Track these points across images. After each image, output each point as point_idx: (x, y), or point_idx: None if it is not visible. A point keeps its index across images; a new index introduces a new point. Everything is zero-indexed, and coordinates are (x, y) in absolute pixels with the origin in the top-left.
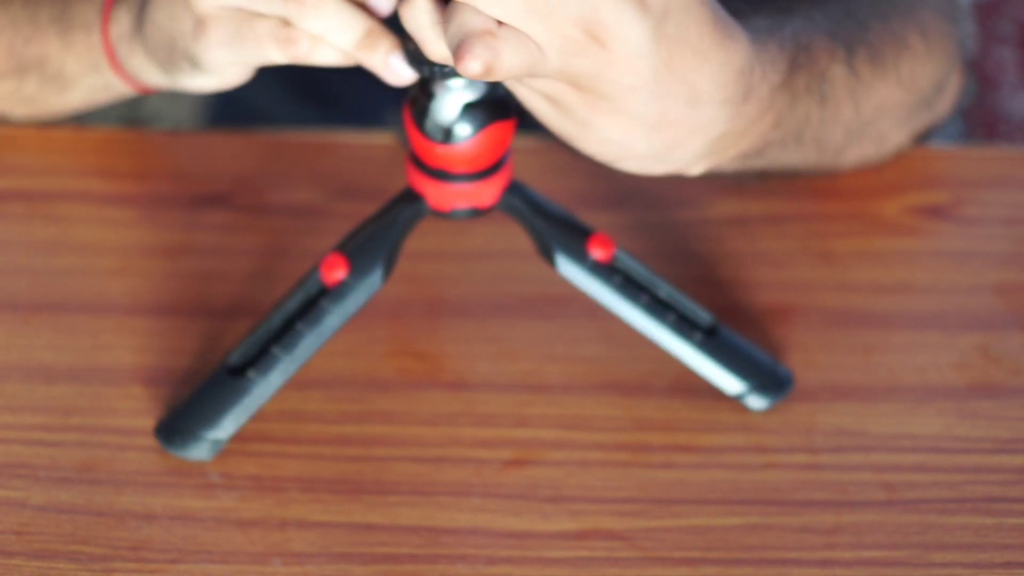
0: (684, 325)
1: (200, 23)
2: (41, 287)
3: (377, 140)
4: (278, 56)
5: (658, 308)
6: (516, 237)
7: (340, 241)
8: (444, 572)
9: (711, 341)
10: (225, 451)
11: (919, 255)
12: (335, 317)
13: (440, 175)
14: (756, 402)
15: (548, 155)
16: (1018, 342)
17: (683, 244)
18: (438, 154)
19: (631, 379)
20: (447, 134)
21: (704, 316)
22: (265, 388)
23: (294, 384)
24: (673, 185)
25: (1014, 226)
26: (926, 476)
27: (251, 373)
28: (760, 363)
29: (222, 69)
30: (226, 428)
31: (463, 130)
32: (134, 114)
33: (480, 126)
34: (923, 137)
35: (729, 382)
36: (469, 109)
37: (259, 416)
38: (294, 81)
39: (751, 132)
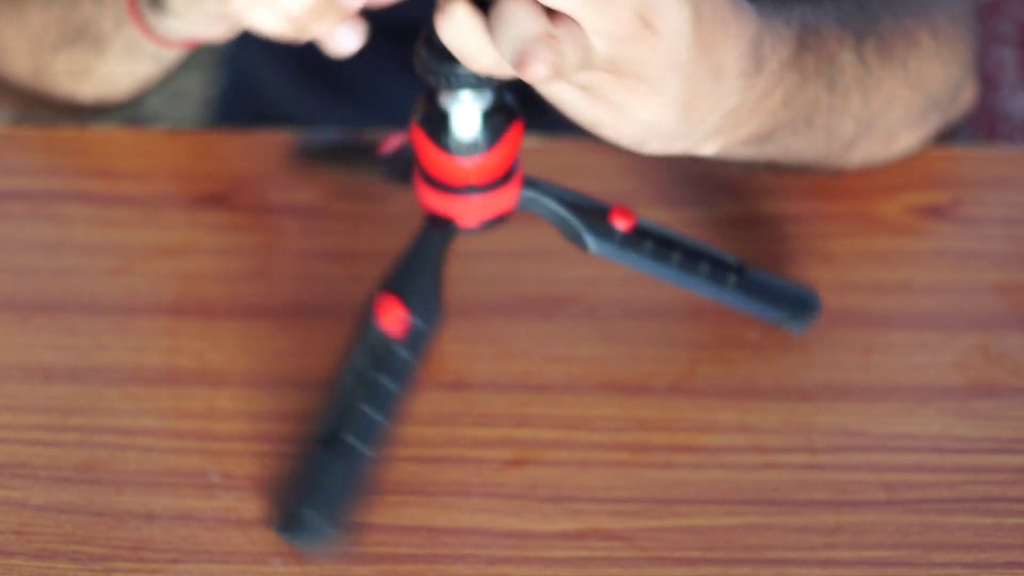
0: (718, 271)
1: None
2: (41, 287)
3: (377, 140)
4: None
5: (691, 261)
6: (515, 237)
7: (384, 281)
8: (444, 572)
9: (744, 281)
10: (225, 451)
11: (919, 255)
12: (416, 362)
13: (468, 190)
14: (795, 327)
15: (547, 155)
16: (1018, 342)
17: None
18: (466, 169)
19: (631, 379)
20: (473, 147)
21: (730, 258)
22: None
23: (294, 384)
24: (674, 185)
25: (1014, 226)
26: (926, 476)
27: (350, 439)
28: (790, 292)
29: (182, 13)
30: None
31: (488, 139)
32: (134, 114)
33: (502, 131)
34: (935, 141)
35: (769, 313)
36: (488, 117)
37: (259, 416)
38: (307, 71)
39: (761, 108)
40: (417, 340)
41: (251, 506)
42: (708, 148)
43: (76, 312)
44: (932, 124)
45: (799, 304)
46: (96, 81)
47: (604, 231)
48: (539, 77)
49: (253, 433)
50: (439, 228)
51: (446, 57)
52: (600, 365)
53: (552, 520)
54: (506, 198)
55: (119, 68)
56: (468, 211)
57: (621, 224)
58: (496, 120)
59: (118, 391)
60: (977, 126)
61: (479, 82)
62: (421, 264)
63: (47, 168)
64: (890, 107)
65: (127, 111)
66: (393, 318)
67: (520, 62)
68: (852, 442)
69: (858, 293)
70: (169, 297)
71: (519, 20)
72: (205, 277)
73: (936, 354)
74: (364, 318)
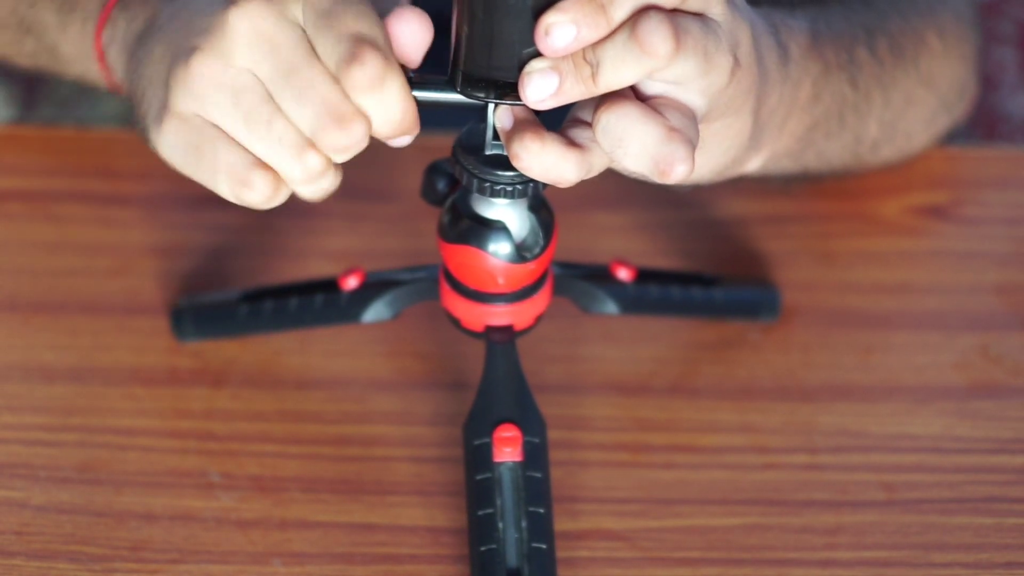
0: (706, 289)
1: (166, 113)
2: (41, 287)
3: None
4: (227, 194)
5: (688, 298)
6: None
7: (498, 416)
8: (444, 572)
9: (724, 291)
10: (225, 451)
11: (919, 255)
12: (547, 475)
13: (525, 293)
14: (767, 319)
15: None
16: (1018, 342)
17: (683, 244)
18: (530, 271)
19: (631, 379)
20: (533, 246)
21: (706, 275)
22: None
23: (294, 384)
24: (673, 186)
25: (1014, 226)
26: (926, 476)
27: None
28: (758, 295)
29: (172, 159)
30: None
31: (546, 234)
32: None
33: (552, 220)
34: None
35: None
36: (534, 213)
37: (259, 416)
38: None
39: (796, 103)
40: (538, 454)
41: (251, 506)
42: (754, 163)
43: (76, 312)
44: (942, 125)
45: (767, 303)
46: (41, 70)
47: (618, 290)
48: (682, 176)
49: (253, 433)
50: (503, 342)
51: (497, 166)
52: (600, 365)
53: (553, 520)
54: (548, 288)
55: (71, 77)
56: (525, 312)
57: (624, 275)
58: (543, 212)
59: (118, 391)
60: (977, 126)
61: (526, 184)
62: (504, 382)
63: (47, 168)
64: (908, 107)
65: (127, 111)
66: (507, 444)
67: (662, 172)
68: (852, 442)
69: (858, 293)
70: (169, 297)
71: (637, 130)
72: (204, 277)
73: (936, 354)
74: (477, 458)
